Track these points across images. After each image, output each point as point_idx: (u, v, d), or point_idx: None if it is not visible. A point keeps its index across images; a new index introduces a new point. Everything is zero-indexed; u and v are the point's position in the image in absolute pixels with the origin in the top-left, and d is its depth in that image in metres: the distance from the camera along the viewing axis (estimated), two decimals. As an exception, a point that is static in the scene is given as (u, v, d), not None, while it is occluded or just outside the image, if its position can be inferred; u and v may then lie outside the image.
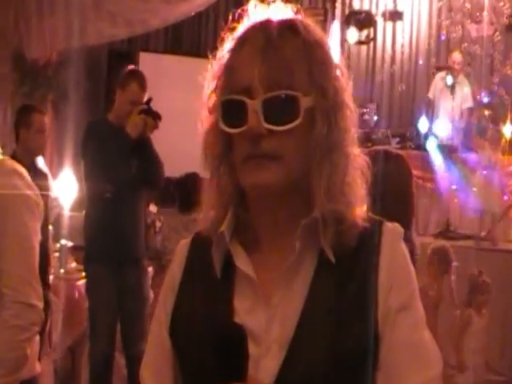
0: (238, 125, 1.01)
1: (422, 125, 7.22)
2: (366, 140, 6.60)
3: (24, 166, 3.86)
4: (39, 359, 2.31)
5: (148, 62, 7.59)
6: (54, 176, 5.82)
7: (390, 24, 8.63)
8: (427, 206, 6.81)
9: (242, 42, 1.05)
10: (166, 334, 1.12)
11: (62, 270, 5.23)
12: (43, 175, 4.25)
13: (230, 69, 1.05)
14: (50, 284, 4.31)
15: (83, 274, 5.21)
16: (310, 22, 1.09)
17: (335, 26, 8.30)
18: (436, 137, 7.00)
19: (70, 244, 5.38)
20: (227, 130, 1.04)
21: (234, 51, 1.06)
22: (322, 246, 1.03)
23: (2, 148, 6.18)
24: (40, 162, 5.38)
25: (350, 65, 8.36)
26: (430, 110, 7.47)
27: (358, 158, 1.07)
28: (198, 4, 7.05)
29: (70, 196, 5.60)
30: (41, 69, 6.79)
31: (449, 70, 7.44)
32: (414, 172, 6.51)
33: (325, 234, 1.03)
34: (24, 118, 4.09)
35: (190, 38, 8.41)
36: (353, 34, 8.35)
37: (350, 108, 1.07)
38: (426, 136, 7.07)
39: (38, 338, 2.12)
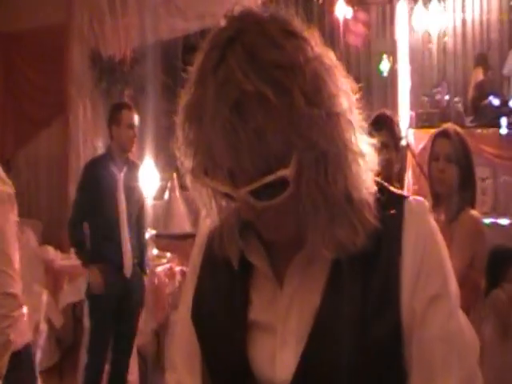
0: (229, 196, 0.96)
1: (496, 102, 7.04)
2: (439, 120, 6.50)
3: (117, 159, 4.21)
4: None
5: (220, 53, 7.68)
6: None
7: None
8: (507, 186, 6.64)
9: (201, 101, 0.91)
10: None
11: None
12: (135, 167, 4.45)
13: (197, 139, 0.93)
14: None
15: (163, 260, 5.45)
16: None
17: (401, 5, 8.08)
18: (510, 114, 6.82)
19: (152, 232, 5.58)
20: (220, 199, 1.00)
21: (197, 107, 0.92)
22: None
23: (83, 142, 6.45)
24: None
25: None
26: (505, 87, 7.28)
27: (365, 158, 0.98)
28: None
29: (151, 186, 5.77)
30: (117, 65, 7.02)
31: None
32: (490, 150, 6.48)
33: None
34: (114, 116, 4.29)
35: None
36: (420, 11, 8.16)
37: (352, 125, 0.95)
38: (500, 114, 6.88)
39: (24, 312, 2.19)
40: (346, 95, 0.95)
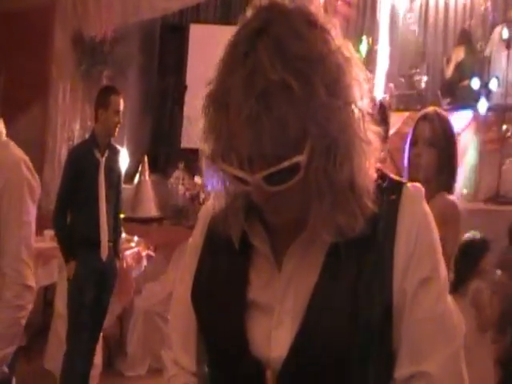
0: (242, 181, 1.00)
1: (475, 84, 6.90)
2: (415, 102, 6.42)
3: (101, 143, 4.27)
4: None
5: (198, 34, 7.70)
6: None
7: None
8: (478, 170, 6.54)
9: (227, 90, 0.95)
10: (189, 296, 1.17)
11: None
12: (116, 151, 4.51)
13: (221, 127, 0.97)
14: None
15: (132, 244, 5.49)
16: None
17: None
18: (488, 96, 6.70)
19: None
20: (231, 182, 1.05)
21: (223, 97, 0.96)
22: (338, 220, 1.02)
23: (61, 125, 6.44)
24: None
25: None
26: (486, 68, 7.14)
27: (369, 148, 1.02)
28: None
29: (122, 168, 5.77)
30: (97, 46, 7.02)
31: (506, 22, 7.03)
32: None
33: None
34: (102, 100, 4.32)
35: (239, 8, 8.36)
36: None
37: (362, 114, 1.00)
38: (479, 95, 6.76)
39: None
40: (359, 84, 1.00)
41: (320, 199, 0.99)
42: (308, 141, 0.95)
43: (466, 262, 3.82)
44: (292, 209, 1.03)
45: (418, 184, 1.11)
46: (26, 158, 2.18)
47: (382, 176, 1.08)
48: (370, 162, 1.03)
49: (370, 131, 1.02)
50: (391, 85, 7.14)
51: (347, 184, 1.00)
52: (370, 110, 1.02)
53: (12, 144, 2.21)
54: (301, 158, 0.95)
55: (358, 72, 1.01)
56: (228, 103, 0.94)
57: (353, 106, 0.98)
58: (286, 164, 0.95)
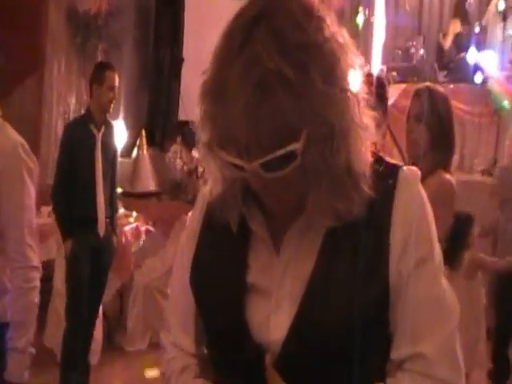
0: (240, 168, 1.00)
1: (471, 56, 6.85)
2: (412, 74, 6.37)
3: (97, 119, 4.28)
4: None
5: (195, 5, 7.61)
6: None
7: None
8: (474, 142, 6.56)
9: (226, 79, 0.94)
10: (188, 280, 1.17)
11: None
12: (111, 126, 4.52)
13: (217, 114, 0.98)
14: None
15: (131, 219, 5.50)
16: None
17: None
18: (483, 69, 6.65)
19: (118, 190, 5.60)
20: (229, 170, 1.03)
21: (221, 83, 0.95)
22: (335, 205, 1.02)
23: (56, 99, 6.40)
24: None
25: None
26: (481, 40, 7.08)
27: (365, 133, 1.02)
28: None
29: (119, 142, 5.77)
30: (92, 19, 6.96)
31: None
32: (461, 106, 6.38)
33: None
34: (97, 75, 4.32)
35: (235, -22, 8.23)
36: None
37: (358, 99, 1.01)
38: (475, 68, 6.72)
39: None
40: (354, 70, 1.00)
41: (317, 185, 1.00)
42: (305, 128, 0.95)
43: (455, 237, 3.86)
44: (290, 195, 1.04)
45: (413, 167, 1.12)
46: (23, 141, 2.18)
47: (378, 160, 1.09)
48: (366, 147, 1.03)
49: (366, 116, 1.02)
50: (394, 73, 7.09)
51: (344, 169, 1.00)
52: (366, 95, 1.02)
53: (8, 126, 2.20)
54: (297, 146, 0.95)
55: (352, 58, 1.01)
56: (225, 92, 0.94)
57: (348, 93, 0.98)
58: (282, 151, 0.95)
